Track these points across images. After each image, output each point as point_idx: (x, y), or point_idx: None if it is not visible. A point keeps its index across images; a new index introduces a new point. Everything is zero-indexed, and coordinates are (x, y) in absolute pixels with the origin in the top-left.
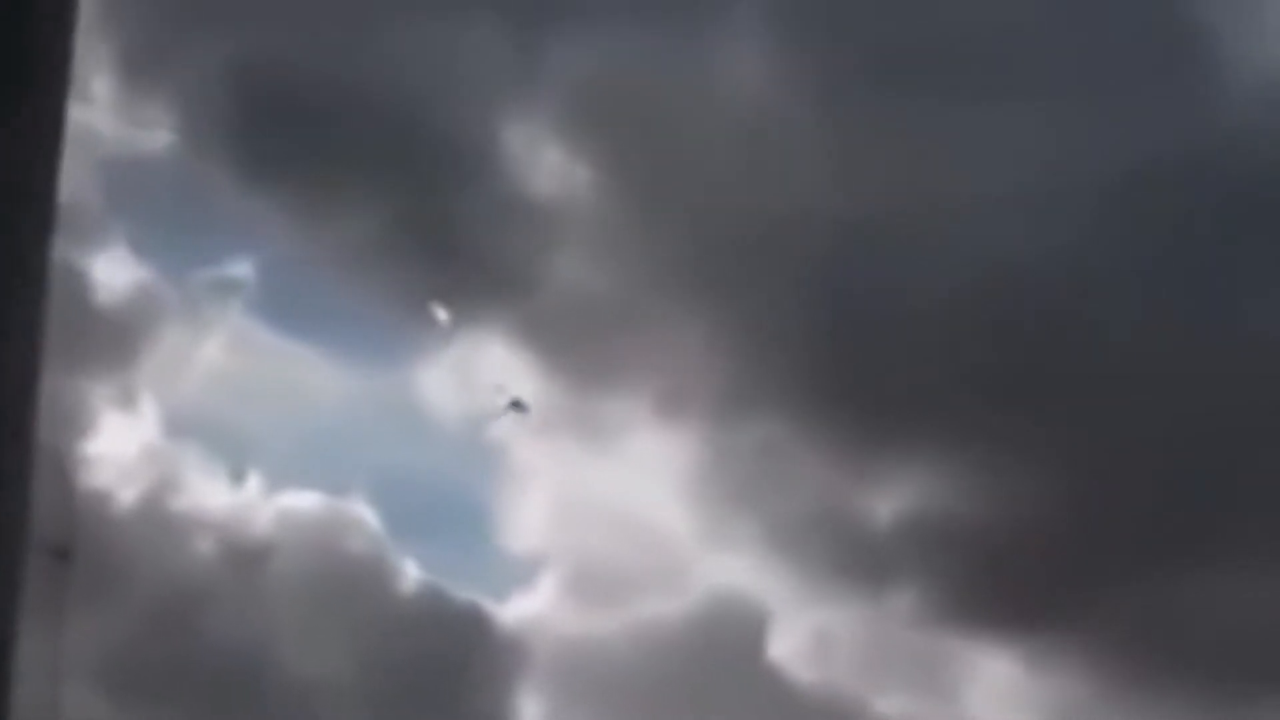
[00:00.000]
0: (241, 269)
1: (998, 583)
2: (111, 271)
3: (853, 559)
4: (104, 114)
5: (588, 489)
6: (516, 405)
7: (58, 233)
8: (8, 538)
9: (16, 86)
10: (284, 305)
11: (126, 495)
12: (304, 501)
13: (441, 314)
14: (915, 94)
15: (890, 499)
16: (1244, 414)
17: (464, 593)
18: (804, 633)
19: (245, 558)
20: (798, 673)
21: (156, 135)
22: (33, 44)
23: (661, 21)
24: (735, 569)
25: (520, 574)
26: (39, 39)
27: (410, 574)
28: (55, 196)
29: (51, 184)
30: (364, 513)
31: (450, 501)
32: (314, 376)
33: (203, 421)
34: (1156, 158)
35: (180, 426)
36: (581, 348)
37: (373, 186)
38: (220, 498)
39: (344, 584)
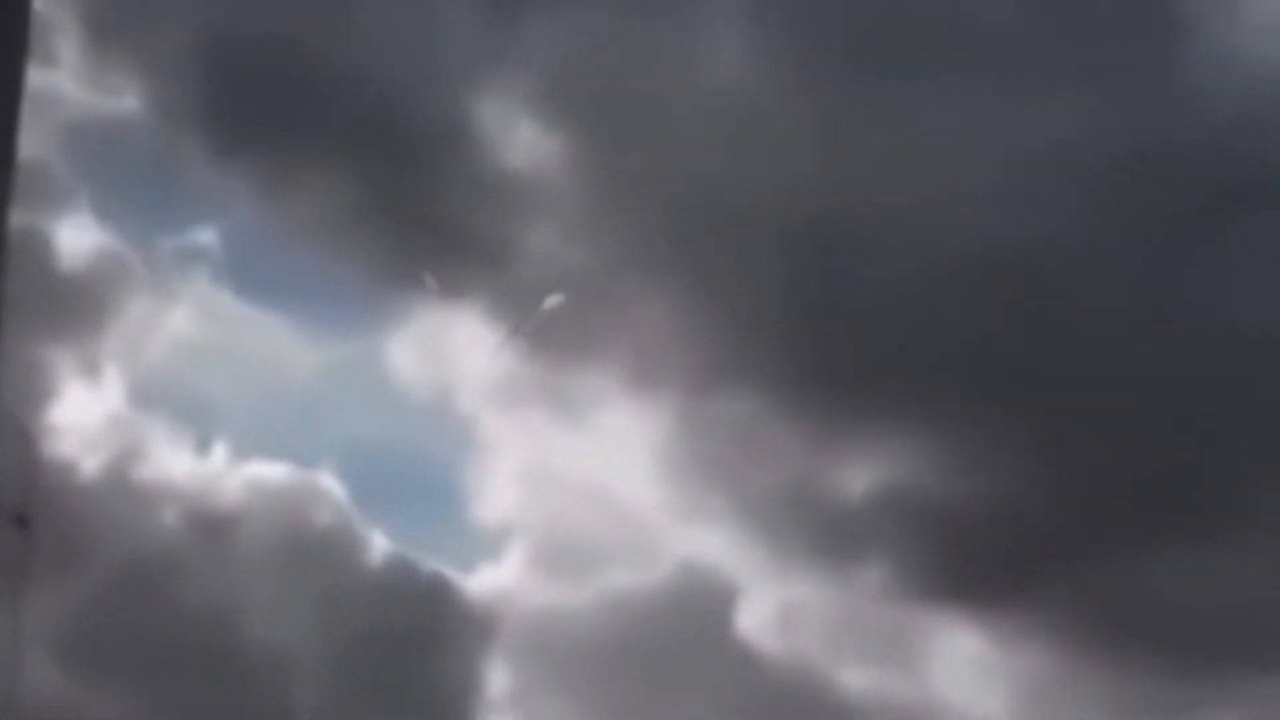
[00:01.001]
0: (209, 238)
1: (966, 559)
2: (77, 238)
3: (823, 534)
4: (72, 80)
5: (558, 462)
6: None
7: (19, 199)
8: None
9: None
10: (252, 275)
11: (91, 464)
12: (271, 471)
13: (431, 282)
14: (895, 74)
15: (861, 475)
16: (1212, 397)
17: (431, 564)
18: (773, 606)
19: (212, 527)
20: (766, 645)
21: (126, 102)
22: None
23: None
24: (705, 542)
25: (488, 545)
26: None
27: (378, 544)
28: (13, 163)
29: (10, 150)
30: (331, 483)
31: (418, 473)
32: (281, 346)
33: (168, 390)
34: (1139, 147)
35: (145, 395)
36: (554, 322)
37: (346, 160)
38: (186, 467)
39: (311, 554)
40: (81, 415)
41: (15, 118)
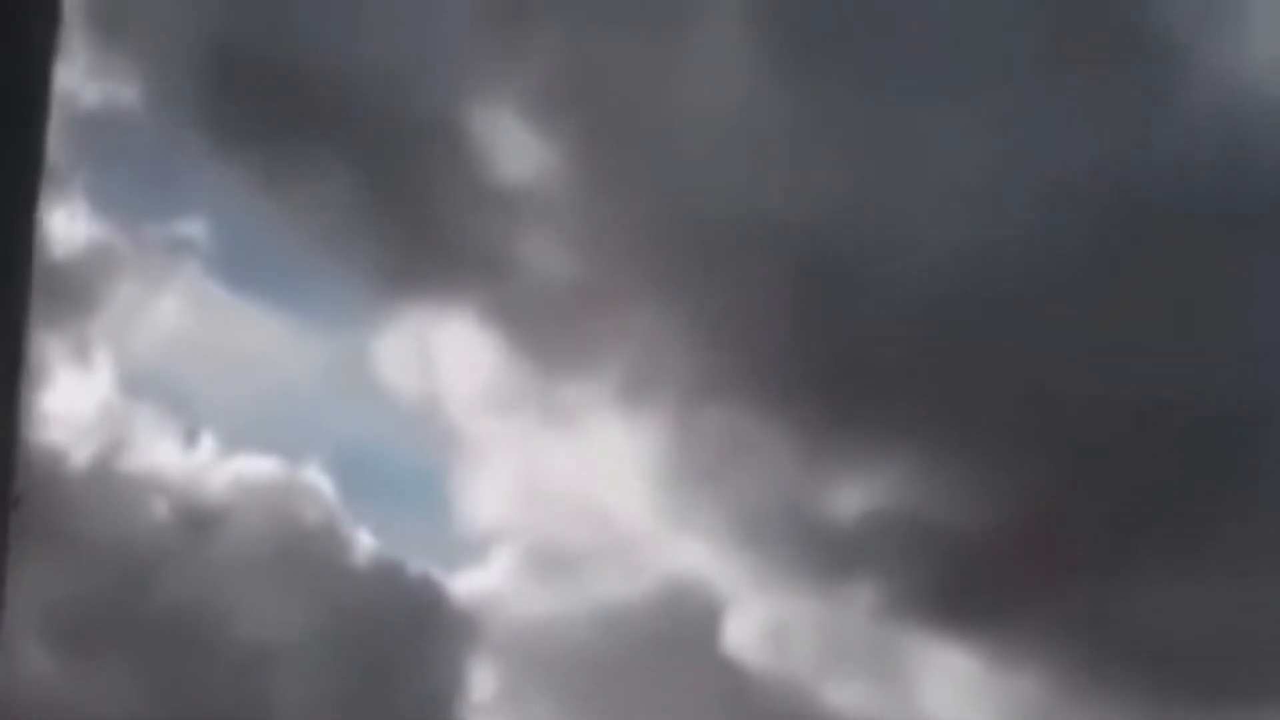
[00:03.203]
0: (200, 229)
1: (959, 580)
2: (69, 224)
3: (814, 551)
4: (70, 68)
5: (547, 469)
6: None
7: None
8: None
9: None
10: (244, 268)
11: (80, 452)
12: (259, 466)
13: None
14: (896, 91)
15: (854, 493)
16: (1212, 420)
17: (418, 565)
18: (761, 621)
19: (198, 519)
20: (753, 660)
21: (124, 92)
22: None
23: (635, 5)
24: (694, 555)
25: (476, 549)
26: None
27: (364, 544)
28: (43, 162)
29: (40, 148)
30: (319, 480)
31: (407, 474)
32: (272, 341)
33: (157, 380)
34: (1142, 175)
35: (135, 384)
36: (548, 330)
37: (340, 159)
38: (174, 458)
39: (297, 551)
40: (71, 402)
41: (44, 122)
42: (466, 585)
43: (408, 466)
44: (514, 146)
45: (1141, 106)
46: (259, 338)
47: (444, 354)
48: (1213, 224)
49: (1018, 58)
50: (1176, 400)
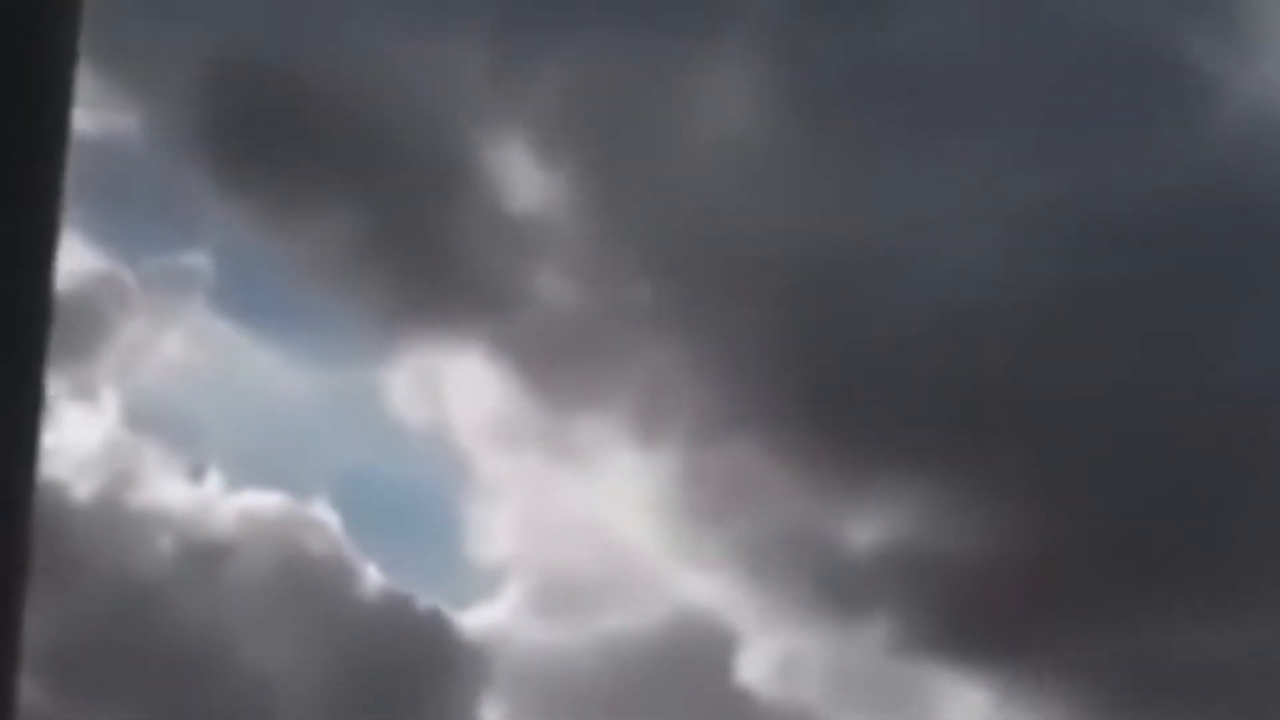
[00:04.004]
0: (206, 262)
1: (973, 612)
2: (70, 260)
3: (826, 584)
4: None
5: (557, 503)
6: None
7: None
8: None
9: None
10: (249, 301)
11: (86, 488)
12: (265, 501)
13: None
14: (906, 122)
15: (867, 526)
16: (1221, 448)
17: (427, 600)
18: (773, 655)
19: (204, 556)
20: (765, 694)
21: (124, 124)
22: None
23: (643, 38)
24: (705, 589)
25: (485, 584)
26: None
27: (372, 578)
28: (61, 201)
29: (58, 188)
30: (326, 515)
31: (415, 509)
32: (278, 375)
33: (163, 415)
34: (1156, 203)
35: (140, 419)
36: (557, 365)
37: (347, 192)
38: (179, 493)
39: (304, 586)
40: (77, 438)
41: (63, 158)
42: (476, 620)
43: (416, 500)
44: (523, 180)
45: (1168, 131)
46: (265, 371)
47: (453, 387)
48: (1234, 245)
49: (1039, 85)
50: (1198, 425)
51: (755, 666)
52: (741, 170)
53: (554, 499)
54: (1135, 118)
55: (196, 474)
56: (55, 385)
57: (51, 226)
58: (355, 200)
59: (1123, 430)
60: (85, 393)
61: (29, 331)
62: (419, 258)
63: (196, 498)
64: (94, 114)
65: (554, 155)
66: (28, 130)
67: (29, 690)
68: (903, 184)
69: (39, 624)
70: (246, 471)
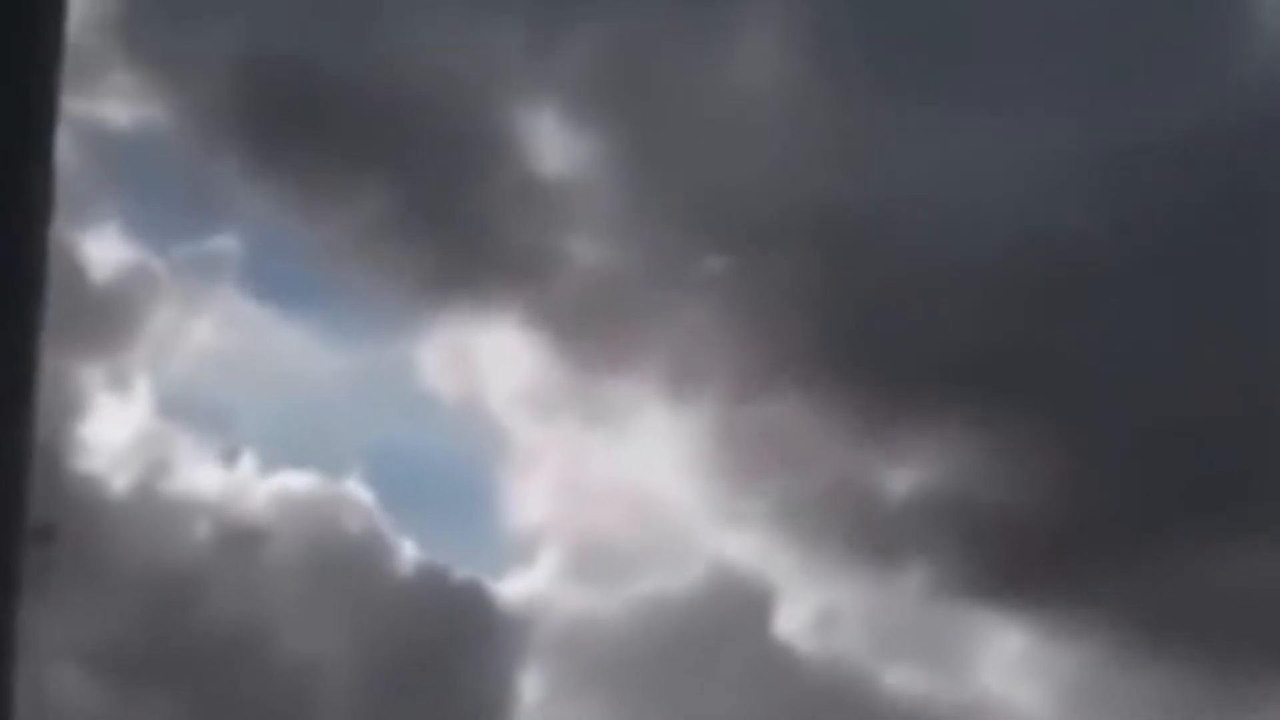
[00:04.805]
0: (235, 245)
1: (1012, 557)
2: (104, 250)
3: (864, 535)
4: (98, 91)
5: (592, 469)
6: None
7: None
8: (6, 525)
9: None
10: (279, 282)
11: (122, 478)
12: (299, 481)
13: None
14: (932, 68)
15: (903, 475)
16: (1257, 390)
17: (463, 571)
18: (812, 608)
19: (241, 539)
20: (805, 648)
21: (152, 113)
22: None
23: (670, 4)
24: (742, 545)
25: (521, 552)
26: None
27: (408, 553)
28: (52, 176)
29: (48, 164)
30: (360, 492)
31: (449, 480)
32: (310, 354)
33: (195, 402)
34: (1173, 134)
35: (173, 407)
36: (590, 330)
37: (376, 168)
38: (214, 478)
39: (341, 564)
40: (112, 429)
41: (53, 131)
42: (513, 589)
43: (450, 472)
44: (553, 147)
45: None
46: (295, 351)
47: (485, 357)
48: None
49: (1059, 29)
50: (1228, 374)
51: (794, 621)
52: (770, 130)
53: (589, 464)
54: (1158, 59)
55: (230, 458)
56: (89, 377)
57: (45, 203)
58: (384, 176)
59: (1161, 377)
60: (119, 383)
61: (22, 306)
62: (449, 230)
63: (231, 482)
64: (125, 106)
65: (583, 122)
66: (18, 112)
67: (74, 681)
68: (934, 133)
69: (81, 617)
70: (280, 453)
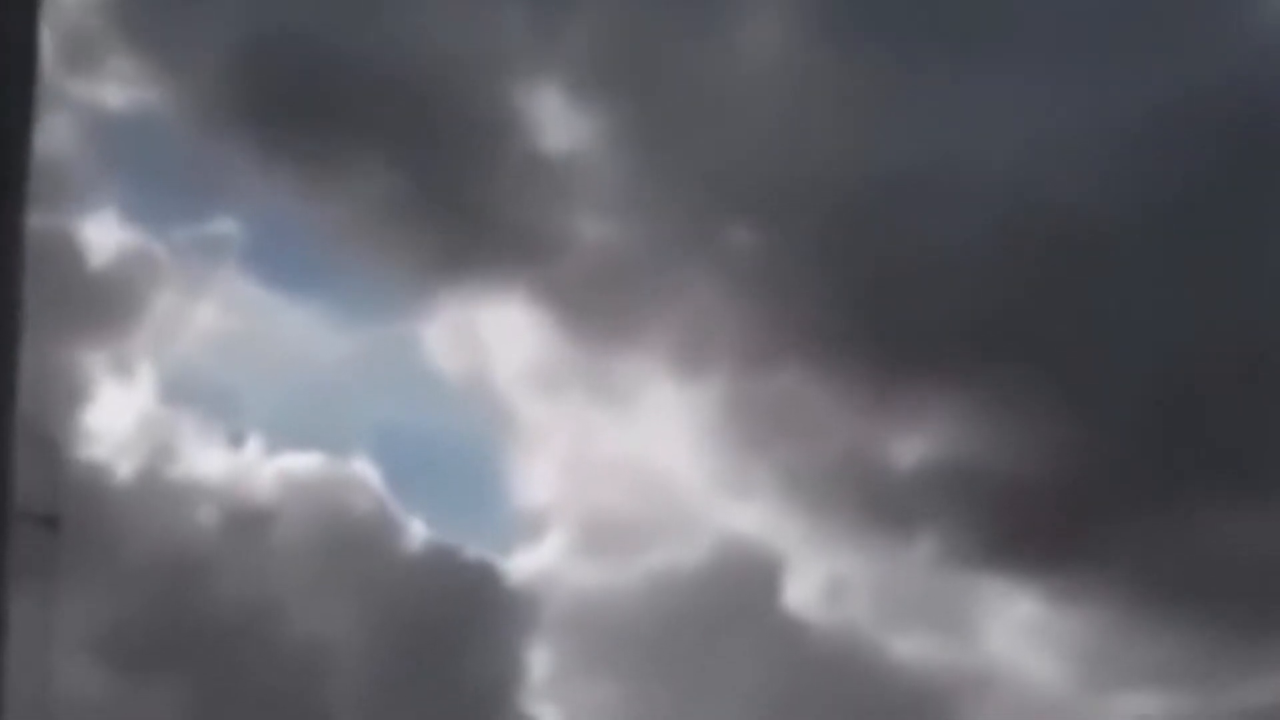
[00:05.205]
0: (235, 228)
1: (1019, 524)
2: (104, 235)
3: (872, 503)
4: (97, 76)
5: (599, 444)
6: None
7: (44, 199)
8: None
9: None
10: (280, 264)
11: (127, 464)
12: (305, 462)
13: None
14: (943, 36)
15: (910, 444)
16: (1263, 357)
17: (472, 549)
18: (820, 577)
19: (248, 522)
20: (814, 617)
21: (151, 97)
22: None
23: None
24: (750, 517)
25: (529, 530)
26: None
27: (416, 531)
28: (28, 155)
29: (25, 143)
30: (367, 471)
31: (455, 458)
32: (313, 335)
33: (200, 385)
34: (1174, 102)
35: (177, 391)
36: (595, 306)
37: (379, 149)
38: (220, 461)
39: (349, 543)
40: (115, 415)
41: (29, 122)
42: (522, 565)
43: (457, 450)
44: (556, 125)
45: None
46: (298, 332)
47: (491, 336)
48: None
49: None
50: (1234, 341)
51: (803, 591)
52: (775, 104)
53: (596, 440)
54: (1169, 24)
55: (236, 441)
56: (92, 364)
57: (19, 191)
58: (387, 157)
59: (1167, 339)
60: (122, 369)
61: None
62: (453, 209)
63: (237, 465)
64: (123, 90)
65: (587, 100)
66: None
67: (86, 668)
68: (943, 102)
69: (90, 604)
70: (285, 435)
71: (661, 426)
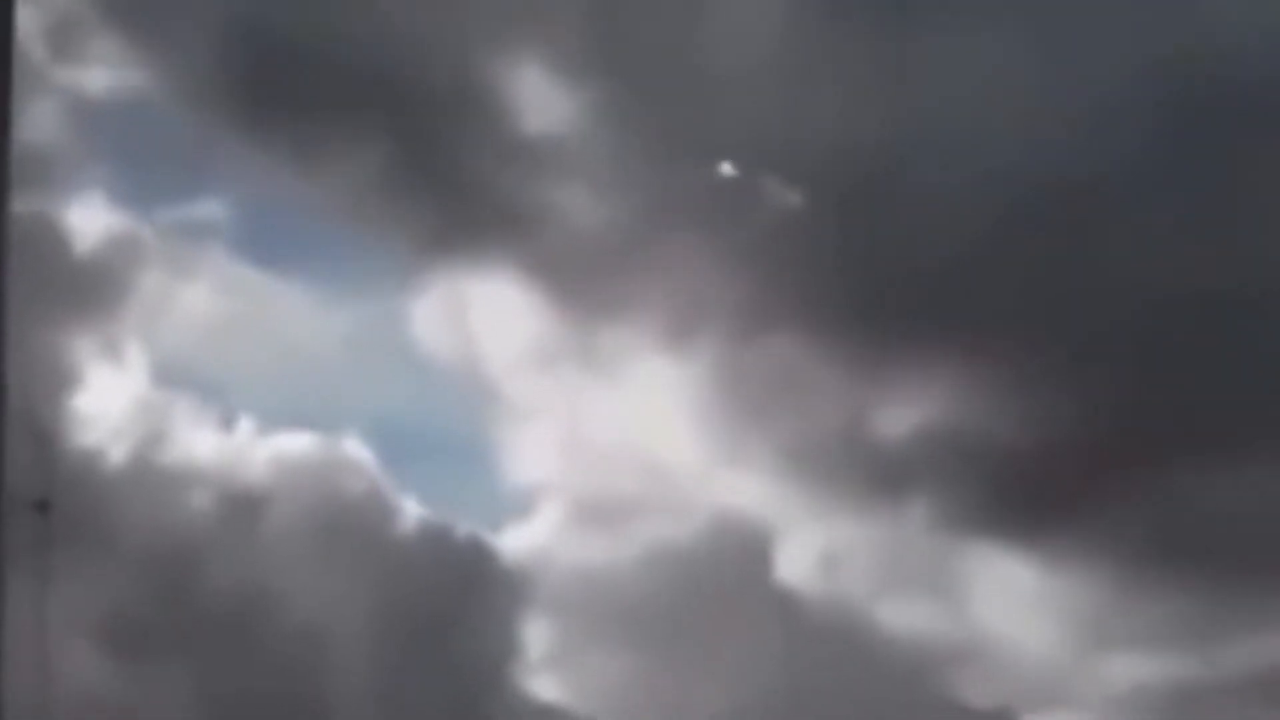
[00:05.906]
0: (223, 210)
1: (1012, 490)
2: (88, 220)
3: (864, 473)
4: (81, 59)
5: (591, 418)
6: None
7: (29, 183)
8: None
9: None
10: (269, 245)
11: (119, 449)
12: (298, 443)
13: None
14: (930, 16)
15: (902, 412)
16: (1256, 319)
17: (466, 527)
18: (814, 548)
19: (242, 505)
20: (808, 587)
21: (135, 79)
22: None
23: None
24: (743, 489)
25: (523, 506)
26: None
27: (410, 510)
28: (8, 141)
29: (4, 129)
30: (360, 451)
31: (448, 437)
32: (303, 316)
33: (190, 368)
34: (1176, 57)
35: (168, 374)
36: (584, 280)
37: (364, 128)
38: (212, 444)
39: (343, 525)
40: (106, 399)
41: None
42: (515, 542)
43: (449, 429)
44: (539, 100)
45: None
46: (288, 313)
47: (481, 313)
48: (1268, 115)
49: None
50: (1228, 303)
51: (797, 563)
52: (766, 74)
53: (587, 415)
54: None
55: (227, 423)
56: (81, 348)
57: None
58: (373, 135)
59: (1156, 302)
60: (112, 352)
61: None
62: (441, 187)
63: (229, 447)
64: (107, 72)
65: (574, 76)
66: None
67: (84, 655)
68: (938, 73)
69: (84, 586)
70: (277, 416)
71: (653, 400)
